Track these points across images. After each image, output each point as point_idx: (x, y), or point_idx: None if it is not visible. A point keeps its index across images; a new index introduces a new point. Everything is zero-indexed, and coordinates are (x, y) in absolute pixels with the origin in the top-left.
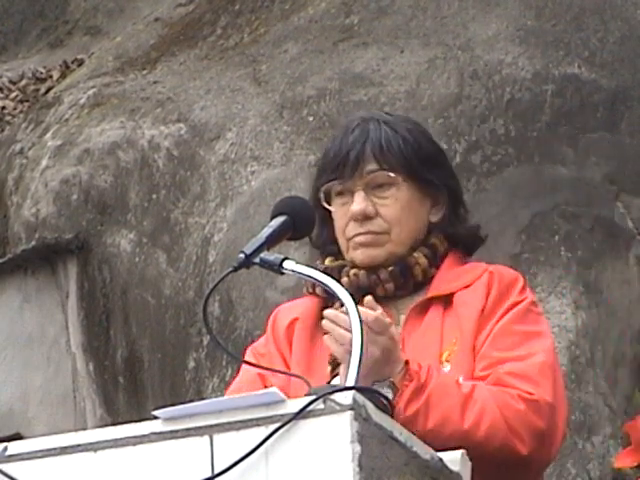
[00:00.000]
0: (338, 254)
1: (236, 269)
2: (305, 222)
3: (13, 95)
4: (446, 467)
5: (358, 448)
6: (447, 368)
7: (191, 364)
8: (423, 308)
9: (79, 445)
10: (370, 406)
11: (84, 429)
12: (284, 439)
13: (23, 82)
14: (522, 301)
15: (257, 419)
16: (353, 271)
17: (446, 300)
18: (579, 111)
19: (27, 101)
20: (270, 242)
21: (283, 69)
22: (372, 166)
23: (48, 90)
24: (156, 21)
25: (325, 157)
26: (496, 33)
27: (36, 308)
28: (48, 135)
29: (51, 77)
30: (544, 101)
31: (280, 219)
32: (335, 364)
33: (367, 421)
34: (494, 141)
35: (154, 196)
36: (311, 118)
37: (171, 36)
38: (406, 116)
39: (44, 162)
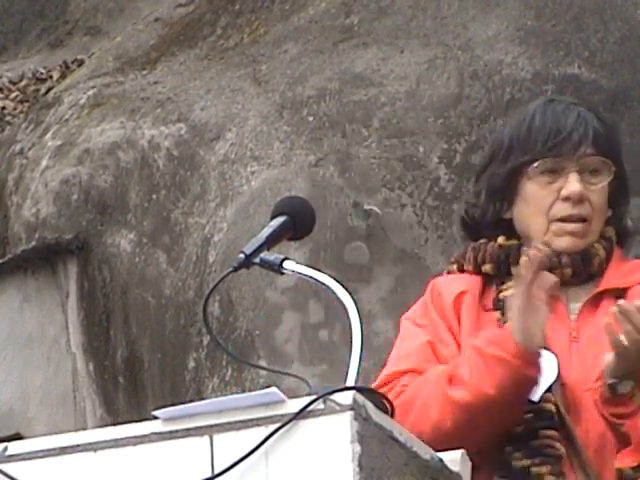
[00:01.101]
0: (511, 234)
1: (236, 269)
2: (305, 222)
3: (13, 95)
4: (446, 467)
5: (358, 448)
6: None
7: (191, 364)
8: (596, 300)
9: (79, 445)
10: (370, 406)
11: (84, 429)
12: (284, 439)
13: (23, 82)
14: None
15: (257, 419)
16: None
17: (619, 295)
18: None
19: (27, 101)
20: (270, 242)
21: (283, 69)
22: (590, 150)
23: (48, 90)
24: (156, 21)
25: (535, 134)
26: (496, 33)
27: (36, 308)
28: (48, 135)
29: (51, 77)
30: None
31: (280, 219)
32: None
33: (367, 421)
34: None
35: (154, 196)
36: (311, 118)
37: (171, 36)
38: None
39: (44, 162)
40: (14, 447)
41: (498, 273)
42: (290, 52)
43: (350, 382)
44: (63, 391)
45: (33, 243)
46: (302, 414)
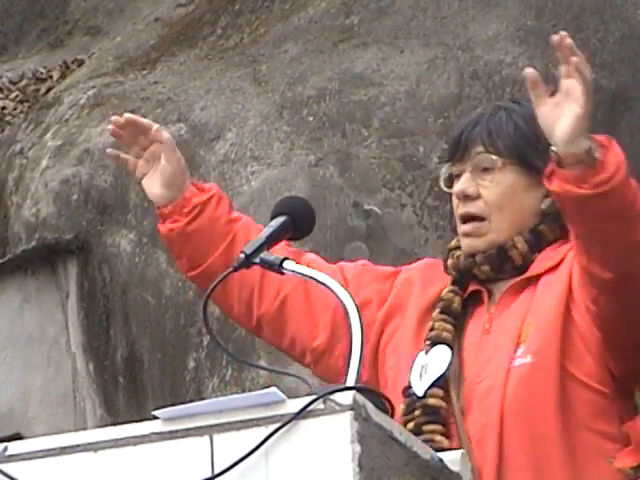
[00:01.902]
0: None
1: (236, 269)
2: (305, 222)
3: (13, 95)
4: (446, 467)
5: (358, 448)
6: (521, 349)
7: (191, 364)
8: (516, 291)
9: (79, 445)
10: (370, 406)
11: (84, 429)
12: (284, 439)
13: (23, 82)
14: None
15: (257, 419)
16: (457, 253)
17: (537, 282)
18: None
19: (27, 101)
20: (270, 242)
21: (283, 69)
22: (479, 148)
23: (48, 90)
24: (156, 21)
25: (448, 142)
26: (496, 33)
27: (36, 308)
28: (48, 135)
29: (51, 77)
30: None
31: (280, 219)
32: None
33: (367, 421)
34: None
35: None
36: (311, 118)
37: (171, 36)
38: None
39: (44, 162)
40: (14, 447)
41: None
42: (290, 52)
43: (350, 382)
44: (63, 391)
45: (33, 243)
46: (302, 414)
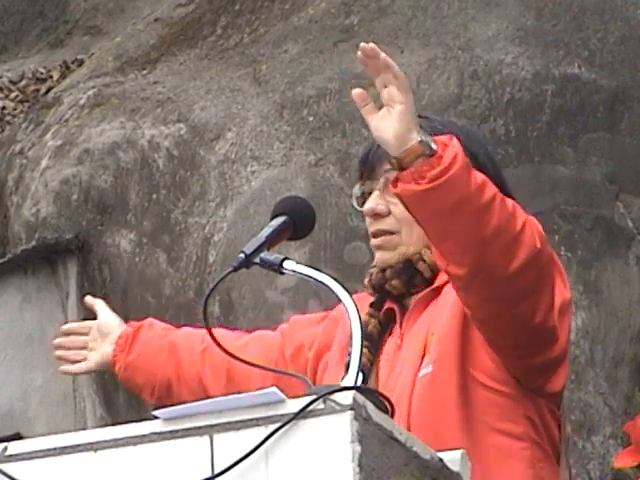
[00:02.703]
0: None
1: (236, 269)
2: (305, 222)
3: (13, 95)
4: (446, 467)
5: (358, 448)
6: (426, 360)
7: None
8: (423, 303)
9: (79, 445)
10: (370, 406)
11: (84, 429)
12: (284, 439)
13: (23, 82)
14: None
15: (257, 419)
16: (371, 270)
17: (439, 292)
18: (579, 111)
19: (27, 101)
20: (270, 242)
21: (283, 69)
22: (386, 166)
23: (48, 90)
24: (156, 21)
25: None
26: (496, 33)
27: (36, 308)
28: (48, 135)
29: (51, 77)
30: (544, 101)
31: (280, 219)
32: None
33: (367, 421)
34: (494, 141)
35: (154, 196)
36: (311, 118)
37: (171, 36)
38: (449, 119)
39: (44, 162)
40: (14, 447)
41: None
42: (290, 52)
43: (350, 382)
44: (63, 391)
45: (33, 243)
46: (302, 414)
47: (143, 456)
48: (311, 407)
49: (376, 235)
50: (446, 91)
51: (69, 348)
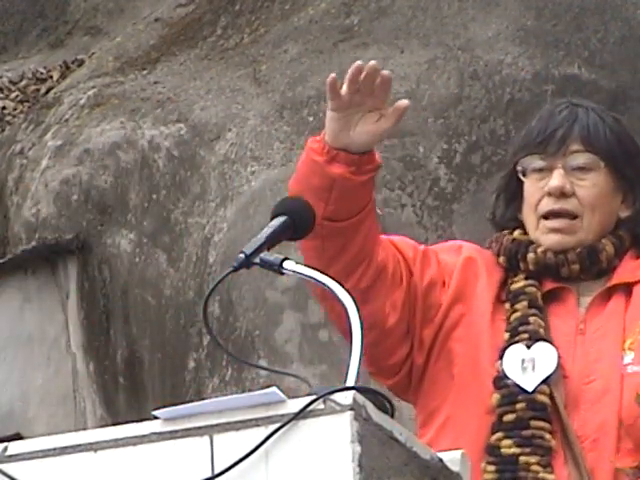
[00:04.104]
0: (522, 230)
1: (236, 269)
2: (305, 222)
3: (13, 95)
4: (446, 467)
5: (358, 448)
6: (631, 356)
7: (191, 364)
8: (606, 295)
9: (79, 445)
10: (370, 406)
11: (84, 429)
12: (284, 439)
13: (23, 82)
14: None
15: (257, 419)
16: (541, 248)
17: (627, 290)
18: None
19: (27, 101)
20: (270, 242)
21: (283, 69)
22: (577, 146)
23: (48, 90)
24: (156, 21)
25: (528, 134)
26: (496, 33)
27: (36, 308)
28: (48, 135)
29: (51, 77)
30: (544, 101)
31: (280, 219)
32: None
33: (367, 421)
34: (494, 141)
35: (154, 196)
36: (311, 118)
37: (171, 36)
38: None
39: (44, 162)
40: (14, 447)
41: (510, 266)
42: (290, 52)
43: (350, 382)
44: (63, 391)
45: (33, 243)
46: (302, 414)
47: (143, 456)
48: (311, 407)
49: (558, 215)
50: (446, 91)
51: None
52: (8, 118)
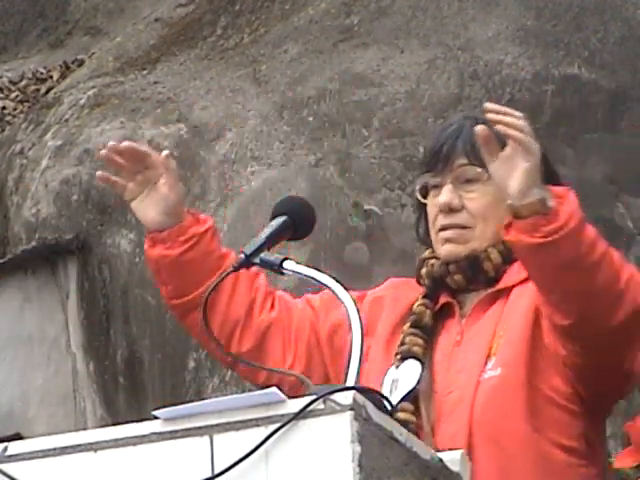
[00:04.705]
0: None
1: (236, 269)
2: (305, 222)
3: (13, 95)
4: (446, 467)
5: (358, 448)
6: (492, 362)
7: (191, 364)
8: (487, 302)
9: (79, 445)
10: (370, 406)
11: (84, 429)
12: (284, 439)
13: (23, 82)
14: None
15: (257, 419)
16: (431, 261)
17: (508, 294)
18: (579, 111)
19: (27, 101)
20: (270, 242)
21: (283, 69)
22: (462, 160)
23: (48, 90)
24: (156, 21)
25: (424, 153)
26: (496, 33)
27: (36, 308)
28: (48, 135)
29: (51, 77)
30: (544, 101)
31: (280, 219)
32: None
33: (367, 421)
34: None
35: None
36: (311, 118)
37: (171, 36)
38: None
39: (44, 162)
40: (14, 447)
41: (421, 285)
42: (290, 52)
43: (350, 382)
44: (63, 391)
45: (33, 243)
46: (302, 414)
47: (143, 456)
48: (311, 407)
49: (447, 228)
50: (446, 91)
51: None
52: (8, 118)
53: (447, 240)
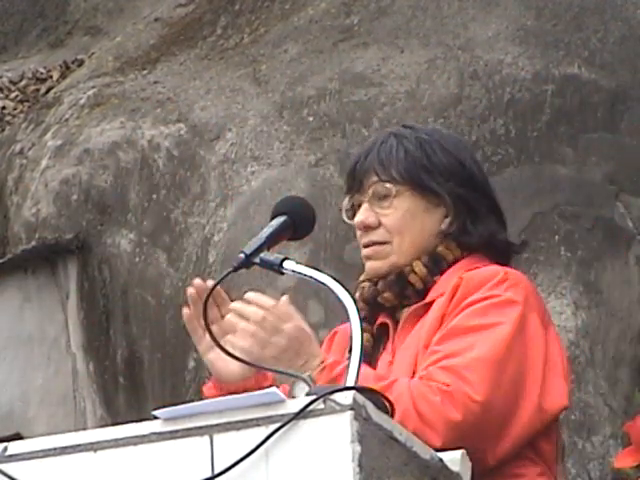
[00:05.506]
0: None
1: (236, 269)
2: (305, 222)
3: (13, 95)
4: (446, 467)
5: (358, 448)
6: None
7: (191, 364)
8: (415, 317)
9: (79, 445)
10: (370, 406)
11: (84, 429)
12: (284, 439)
13: (23, 82)
14: (486, 298)
15: (257, 419)
16: (362, 284)
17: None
18: (579, 111)
19: (27, 101)
20: (270, 242)
21: (283, 69)
22: (373, 178)
23: (48, 90)
24: (156, 21)
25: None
26: (496, 33)
27: (36, 308)
28: (48, 135)
29: (51, 77)
30: (544, 101)
31: (280, 219)
32: None
33: (367, 421)
34: (494, 141)
35: (154, 196)
36: (311, 118)
37: (171, 36)
38: (434, 128)
39: (44, 162)
40: (14, 447)
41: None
42: (290, 52)
43: (350, 382)
44: (63, 391)
45: (33, 243)
46: (302, 414)
47: (143, 456)
48: (311, 407)
49: (367, 246)
50: (446, 91)
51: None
52: (8, 118)
53: (367, 257)
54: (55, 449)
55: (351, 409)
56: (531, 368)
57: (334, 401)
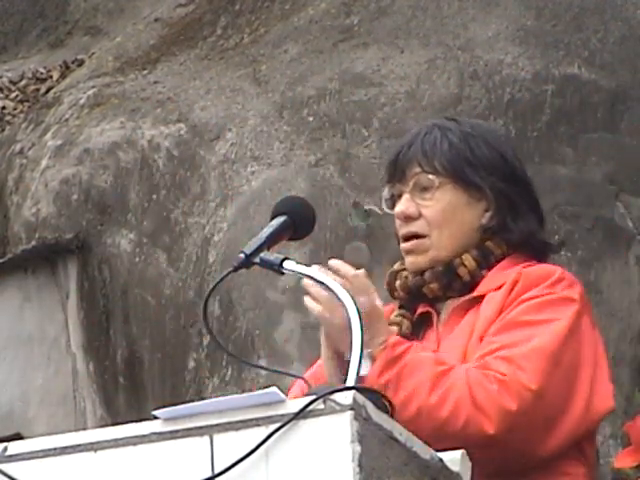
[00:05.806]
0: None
1: (236, 269)
2: (305, 222)
3: (13, 95)
4: (446, 467)
5: (358, 448)
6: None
7: (191, 364)
8: (463, 309)
9: (79, 445)
10: (370, 406)
11: (84, 429)
12: (284, 439)
13: (23, 82)
14: (543, 295)
15: (257, 419)
16: (404, 273)
17: (482, 300)
18: (579, 111)
19: (27, 101)
20: (270, 242)
21: (283, 69)
22: (416, 169)
23: (48, 90)
24: (156, 21)
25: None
26: (496, 33)
27: (36, 308)
28: (48, 135)
29: (51, 77)
30: (544, 101)
31: (280, 219)
32: None
33: (367, 421)
34: None
35: (154, 196)
36: (311, 118)
37: (171, 36)
38: (477, 122)
39: (44, 162)
40: (14, 447)
41: (394, 298)
42: (290, 52)
43: (350, 382)
44: (63, 391)
45: (33, 243)
46: (302, 414)
47: (143, 456)
48: (311, 407)
49: (407, 238)
50: (446, 91)
51: None
52: (8, 118)
53: (407, 252)
54: (55, 449)
55: (351, 409)
56: (583, 366)
57: (334, 401)
